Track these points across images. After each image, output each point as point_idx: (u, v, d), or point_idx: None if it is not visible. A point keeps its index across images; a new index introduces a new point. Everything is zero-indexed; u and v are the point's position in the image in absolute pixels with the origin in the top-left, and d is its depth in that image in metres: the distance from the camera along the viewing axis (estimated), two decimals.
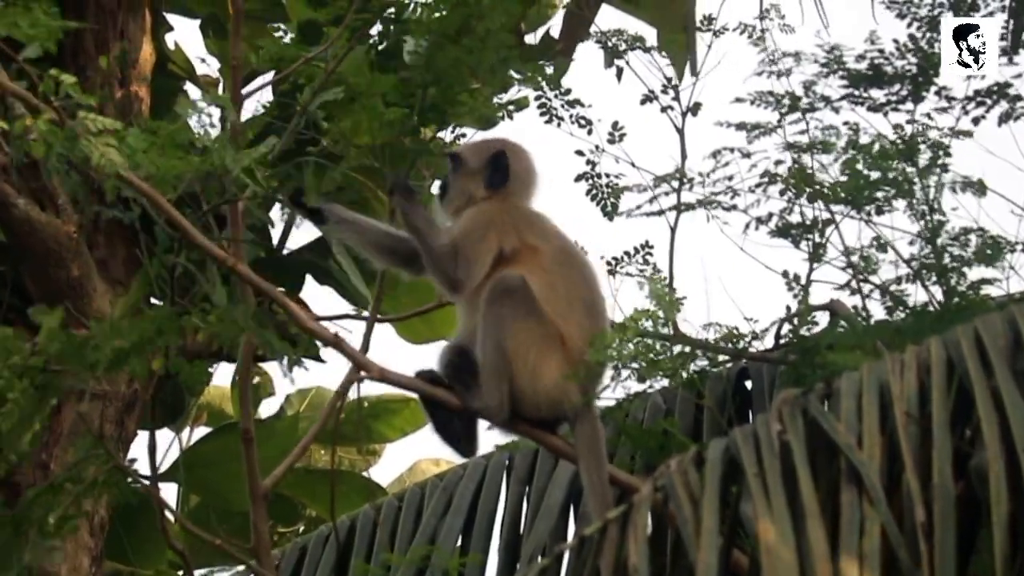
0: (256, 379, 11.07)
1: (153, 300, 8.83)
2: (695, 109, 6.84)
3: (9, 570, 5.86)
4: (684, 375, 5.92)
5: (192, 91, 10.00)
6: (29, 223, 8.60)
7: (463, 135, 6.38)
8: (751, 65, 6.69)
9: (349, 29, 6.05)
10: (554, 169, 6.35)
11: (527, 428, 5.71)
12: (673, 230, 6.70)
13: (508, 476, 7.25)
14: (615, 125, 6.65)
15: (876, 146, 6.34)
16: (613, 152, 6.64)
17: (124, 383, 8.68)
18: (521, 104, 6.36)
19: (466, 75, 5.88)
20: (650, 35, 7.43)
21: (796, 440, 3.85)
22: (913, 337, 5.29)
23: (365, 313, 9.07)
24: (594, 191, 6.64)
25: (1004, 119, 6.64)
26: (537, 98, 6.46)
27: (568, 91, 6.44)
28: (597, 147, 6.63)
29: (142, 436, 8.89)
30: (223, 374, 11.74)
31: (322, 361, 9.13)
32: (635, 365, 5.62)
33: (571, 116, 6.50)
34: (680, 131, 6.80)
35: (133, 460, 6.78)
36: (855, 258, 6.33)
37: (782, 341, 6.44)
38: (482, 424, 5.81)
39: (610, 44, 6.86)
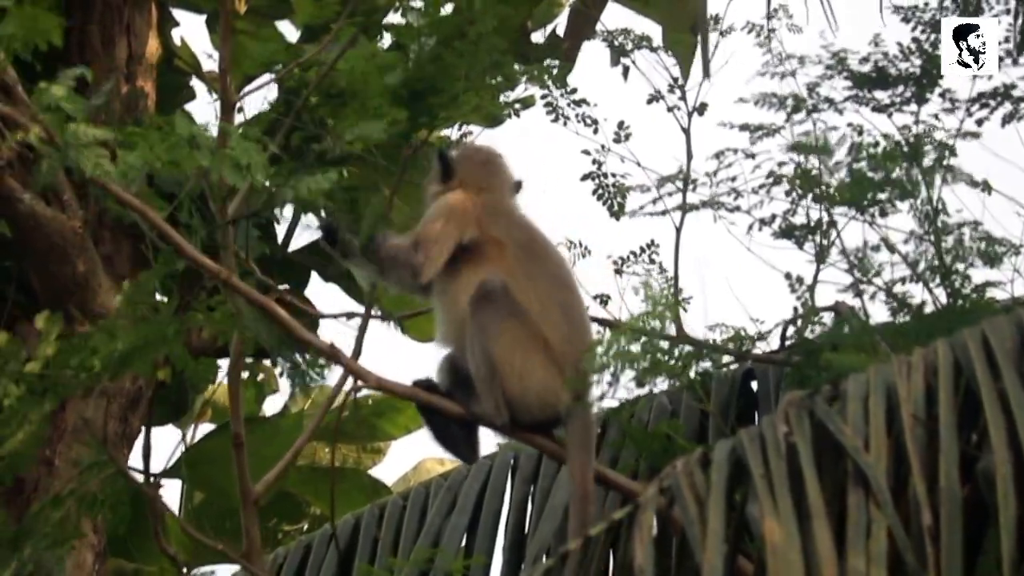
0: (260, 376, 11.06)
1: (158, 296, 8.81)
2: (701, 109, 6.83)
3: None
4: (689, 376, 5.91)
5: (198, 86, 10.01)
6: (34, 218, 8.57)
7: (469, 133, 6.39)
8: (755, 66, 6.70)
9: (348, 29, 6.05)
10: (559, 168, 6.35)
11: (521, 433, 5.74)
12: (678, 230, 6.70)
13: (513, 476, 7.24)
14: (621, 124, 6.65)
15: (881, 147, 6.33)
16: (619, 151, 6.64)
17: (129, 379, 8.68)
18: (527, 102, 6.36)
19: (459, 79, 5.88)
20: (656, 34, 7.44)
21: (802, 442, 3.85)
22: (916, 339, 5.28)
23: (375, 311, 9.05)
24: (601, 190, 6.64)
25: (1008, 120, 6.65)
26: (543, 97, 6.46)
27: (574, 90, 6.45)
28: (603, 146, 6.63)
29: None
30: None
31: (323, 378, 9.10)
32: (636, 367, 5.61)
33: (577, 115, 6.50)
34: (686, 131, 6.79)
35: (135, 469, 6.73)
36: (856, 259, 6.31)
37: (788, 343, 6.43)
38: (482, 429, 5.83)
39: (616, 43, 6.85)
